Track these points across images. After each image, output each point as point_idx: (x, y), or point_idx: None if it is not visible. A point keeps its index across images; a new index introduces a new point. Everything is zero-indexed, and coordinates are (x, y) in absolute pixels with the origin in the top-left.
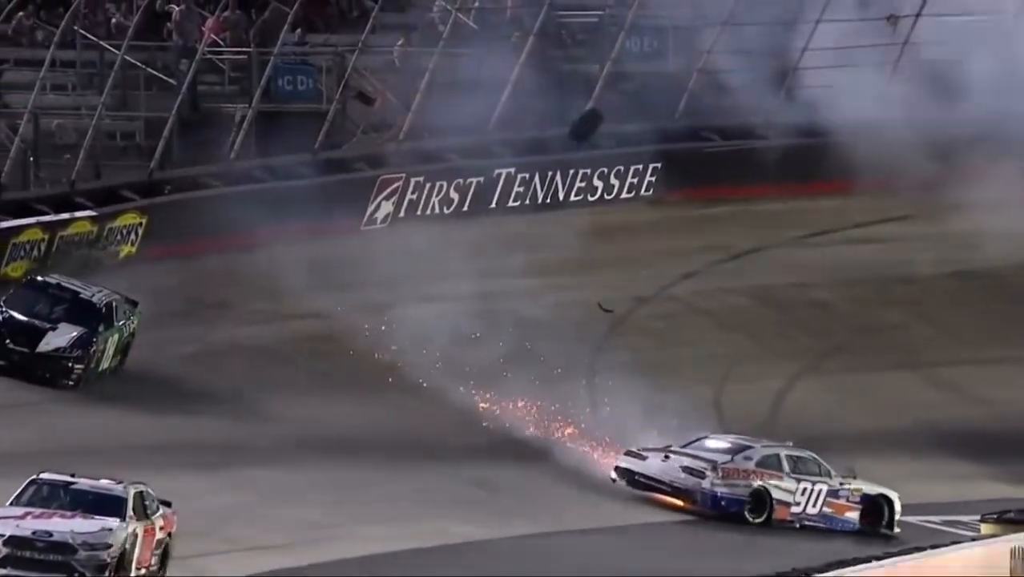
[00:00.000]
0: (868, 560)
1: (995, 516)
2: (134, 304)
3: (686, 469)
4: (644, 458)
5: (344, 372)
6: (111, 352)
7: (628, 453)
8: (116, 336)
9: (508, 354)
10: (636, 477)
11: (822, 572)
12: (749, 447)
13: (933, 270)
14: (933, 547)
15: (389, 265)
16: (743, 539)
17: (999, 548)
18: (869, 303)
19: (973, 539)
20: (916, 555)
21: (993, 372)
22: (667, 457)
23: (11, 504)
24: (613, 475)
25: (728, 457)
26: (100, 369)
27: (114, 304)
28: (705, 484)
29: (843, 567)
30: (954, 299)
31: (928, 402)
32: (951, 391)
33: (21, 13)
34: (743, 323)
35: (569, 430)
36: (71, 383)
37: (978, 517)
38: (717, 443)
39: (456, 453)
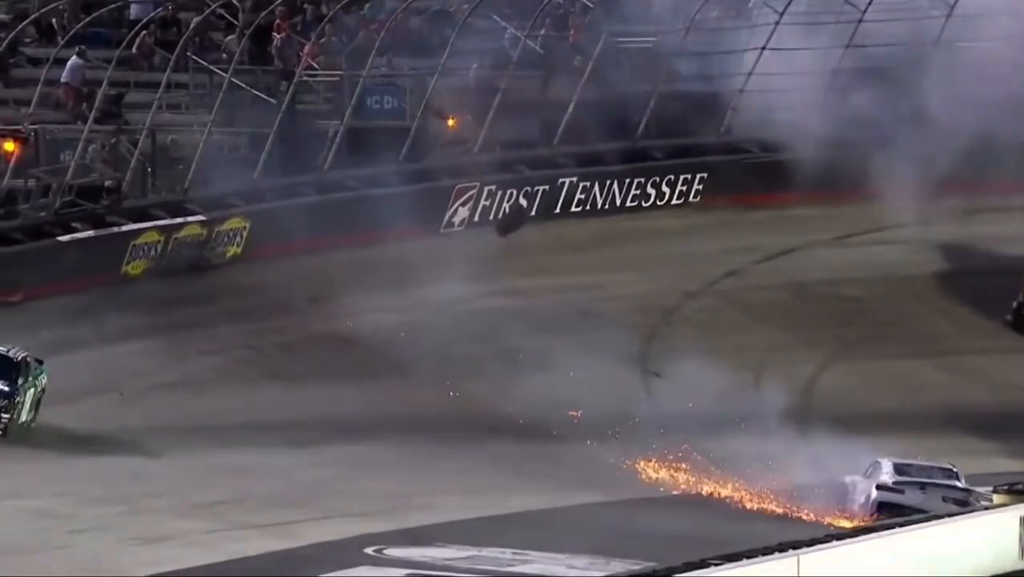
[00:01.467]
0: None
1: (1006, 488)
2: (40, 362)
3: (951, 500)
4: (902, 491)
5: (421, 360)
6: (28, 405)
7: (881, 487)
8: (32, 390)
9: (570, 342)
10: (905, 511)
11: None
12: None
13: (947, 268)
14: (950, 515)
15: (465, 264)
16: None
17: (1009, 516)
18: (891, 298)
19: (986, 508)
20: (934, 522)
21: (1002, 359)
22: (923, 488)
23: None
24: (874, 510)
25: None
26: (20, 421)
27: (28, 360)
28: None
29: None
30: (966, 295)
31: (945, 385)
32: (966, 376)
33: (144, 33)
34: (779, 315)
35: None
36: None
37: (991, 488)
38: (920, 464)
39: (521, 430)
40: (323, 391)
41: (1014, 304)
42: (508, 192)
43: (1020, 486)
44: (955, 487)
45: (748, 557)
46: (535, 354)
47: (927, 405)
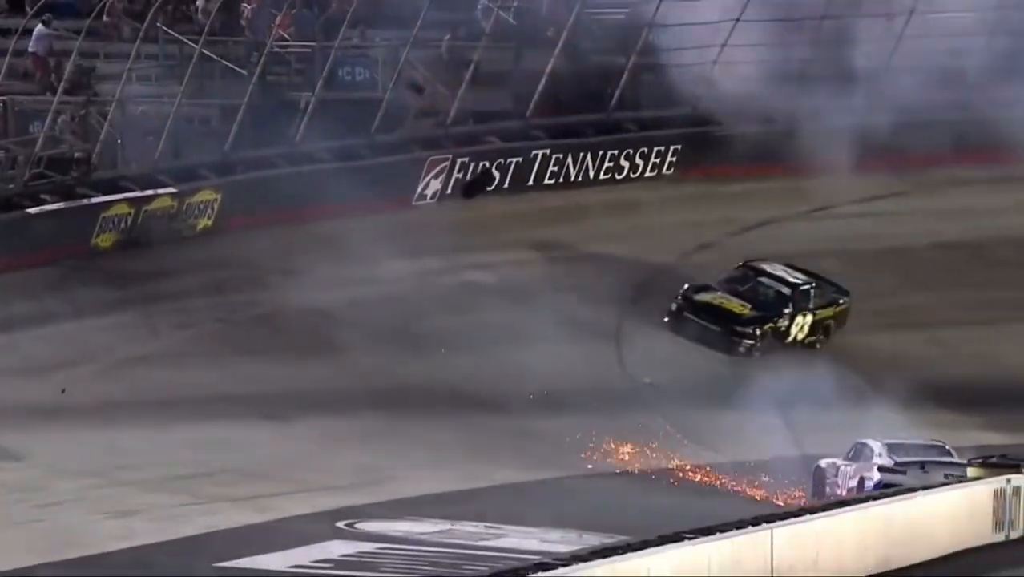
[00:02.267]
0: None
1: (981, 460)
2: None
3: (952, 477)
4: (903, 472)
5: (394, 333)
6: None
7: (883, 469)
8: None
9: (543, 315)
10: None
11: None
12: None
13: (923, 241)
14: (925, 488)
15: (437, 237)
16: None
17: (984, 489)
18: (867, 271)
19: (960, 480)
20: (909, 496)
21: (980, 332)
22: (924, 467)
23: None
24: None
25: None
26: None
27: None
28: None
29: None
30: (941, 267)
31: (922, 358)
32: (943, 348)
33: (113, 3)
34: None
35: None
36: None
37: (966, 461)
38: (912, 443)
39: (498, 404)
40: (295, 365)
41: (673, 306)
42: (480, 164)
43: (994, 459)
44: (954, 463)
45: (722, 531)
46: (508, 327)
47: (903, 378)
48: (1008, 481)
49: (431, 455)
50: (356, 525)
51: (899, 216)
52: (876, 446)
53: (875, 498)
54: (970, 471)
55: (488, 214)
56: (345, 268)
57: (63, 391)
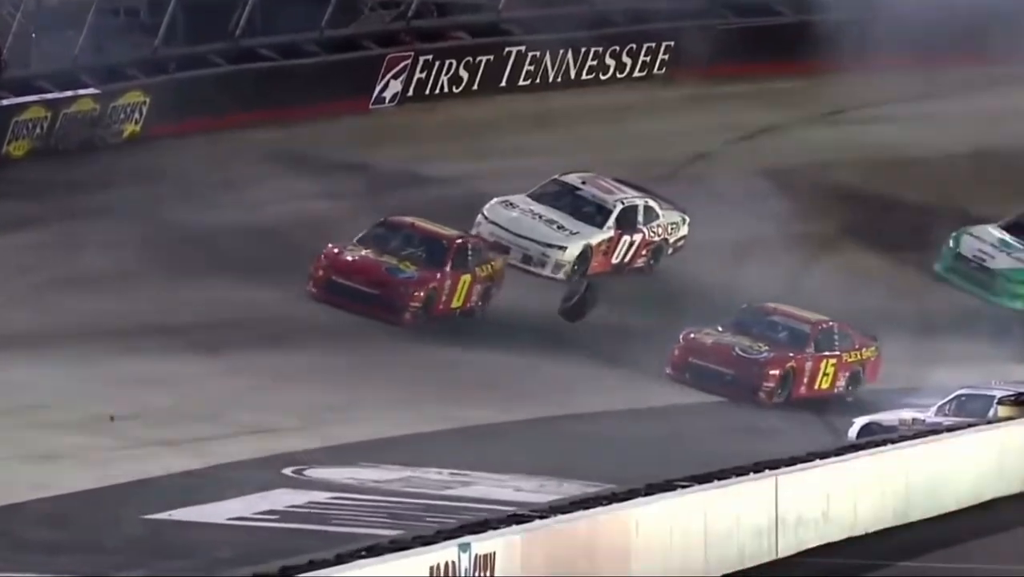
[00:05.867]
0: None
1: (1013, 398)
2: None
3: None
4: None
5: None
6: None
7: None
8: None
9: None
10: None
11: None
12: None
13: (952, 150)
14: (949, 430)
15: (397, 144)
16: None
17: (1018, 431)
18: (886, 183)
19: (989, 422)
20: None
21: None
22: None
23: None
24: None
25: None
26: None
27: None
28: None
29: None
30: (972, 178)
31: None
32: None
33: None
34: (757, 205)
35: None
36: None
37: (995, 399)
38: None
39: (459, 335)
40: (235, 290)
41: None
42: (447, 63)
43: None
44: None
45: (720, 478)
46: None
47: (924, 304)
48: None
49: (390, 394)
50: (305, 472)
51: (928, 120)
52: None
53: (892, 441)
54: (1000, 410)
55: (455, 119)
56: (292, 181)
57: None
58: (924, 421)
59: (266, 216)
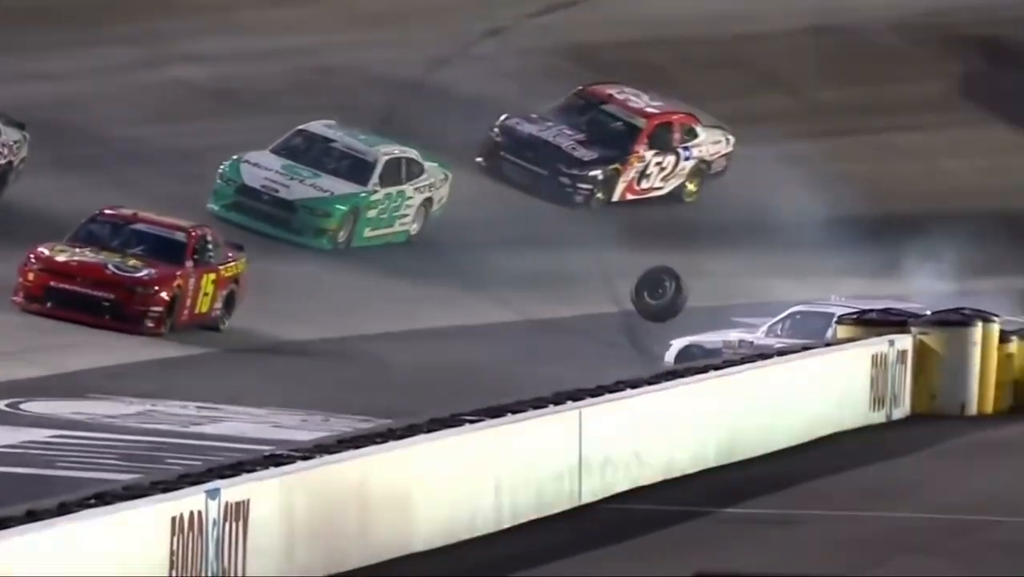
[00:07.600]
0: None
1: (854, 316)
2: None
3: None
4: None
5: (83, 139)
6: None
7: None
8: None
9: (277, 130)
10: None
11: None
12: None
13: (788, 24)
14: (780, 353)
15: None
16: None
17: (859, 354)
18: (708, 65)
19: (827, 344)
20: (759, 364)
21: (861, 144)
22: None
23: None
24: None
25: None
26: None
27: None
28: None
29: None
30: (812, 59)
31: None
32: (805, 167)
33: None
34: (556, 89)
35: None
36: None
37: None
38: None
39: None
40: None
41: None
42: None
43: (872, 314)
44: None
45: (514, 412)
46: (234, 147)
47: (756, 207)
48: (891, 343)
49: None
50: (22, 406)
51: None
52: None
53: (716, 368)
54: (840, 330)
55: None
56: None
57: None
58: (752, 343)
59: None
